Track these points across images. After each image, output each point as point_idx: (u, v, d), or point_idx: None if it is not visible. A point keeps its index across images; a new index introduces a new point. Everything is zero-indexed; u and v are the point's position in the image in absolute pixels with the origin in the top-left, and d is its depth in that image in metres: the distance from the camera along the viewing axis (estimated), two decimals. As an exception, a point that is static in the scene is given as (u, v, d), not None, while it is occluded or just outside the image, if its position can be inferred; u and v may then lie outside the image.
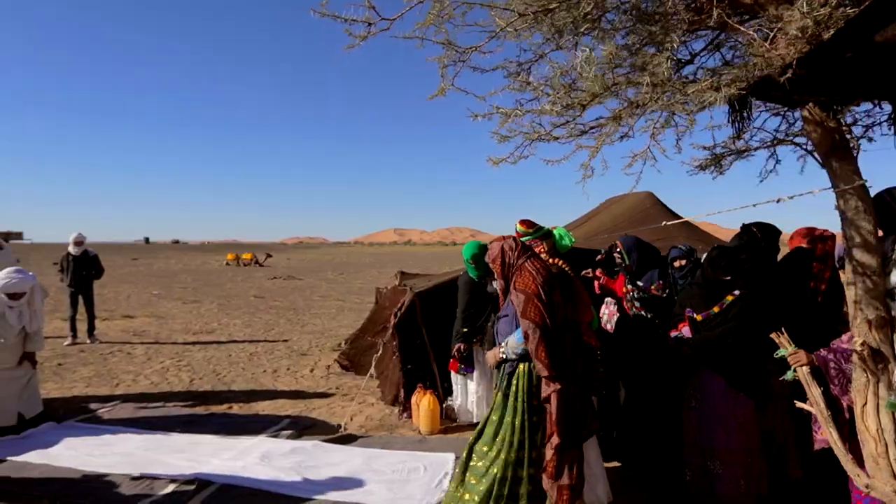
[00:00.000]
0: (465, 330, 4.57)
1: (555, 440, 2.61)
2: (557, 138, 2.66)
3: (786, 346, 3.11)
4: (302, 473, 3.73)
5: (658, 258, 4.19)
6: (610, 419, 3.96)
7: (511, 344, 2.80)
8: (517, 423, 2.75)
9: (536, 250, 3.39)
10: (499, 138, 2.70)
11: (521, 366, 2.80)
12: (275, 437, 4.47)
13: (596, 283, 4.30)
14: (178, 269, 29.90)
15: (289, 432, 4.57)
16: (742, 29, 2.40)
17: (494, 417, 2.85)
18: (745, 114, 2.68)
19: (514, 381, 2.81)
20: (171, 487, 3.52)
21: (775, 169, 3.64)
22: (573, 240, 3.56)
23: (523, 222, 3.50)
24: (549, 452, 2.63)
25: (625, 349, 4.01)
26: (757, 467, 3.06)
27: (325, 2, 2.60)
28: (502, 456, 2.73)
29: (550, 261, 3.31)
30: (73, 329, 8.20)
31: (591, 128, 2.66)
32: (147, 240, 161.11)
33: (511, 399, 2.80)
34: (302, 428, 4.70)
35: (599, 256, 4.54)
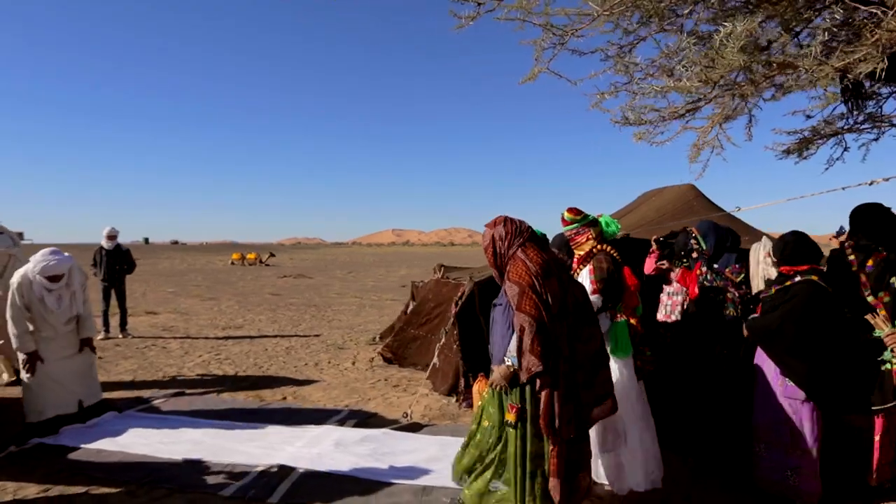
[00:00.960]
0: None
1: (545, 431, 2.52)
2: (683, 115, 2.67)
3: (882, 328, 3.12)
4: (380, 460, 3.72)
5: (735, 242, 4.14)
6: (672, 405, 3.94)
7: (513, 349, 2.57)
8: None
9: (584, 237, 3.41)
10: (628, 120, 2.70)
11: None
12: (339, 426, 4.46)
13: (671, 274, 4.28)
14: (184, 269, 29.81)
15: (353, 421, 4.56)
16: (862, 7, 2.41)
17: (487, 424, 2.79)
18: (861, 93, 2.70)
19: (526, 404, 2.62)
20: (254, 473, 3.50)
21: (842, 157, 3.66)
22: (619, 227, 3.55)
23: (571, 210, 3.50)
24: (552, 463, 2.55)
25: (694, 335, 4.01)
26: (809, 463, 2.96)
27: None
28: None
29: (599, 247, 3.33)
30: (107, 324, 8.16)
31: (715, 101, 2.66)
32: (146, 240, 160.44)
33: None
34: (365, 417, 4.69)
35: (653, 249, 4.52)
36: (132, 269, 8.48)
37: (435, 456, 3.80)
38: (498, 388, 2.66)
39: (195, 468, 3.60)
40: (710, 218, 5.17)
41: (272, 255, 37.07)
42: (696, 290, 4.05)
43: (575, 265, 3.42)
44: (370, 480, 3.42)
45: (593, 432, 2.93)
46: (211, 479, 3.44)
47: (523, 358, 2.48)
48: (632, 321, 3.31)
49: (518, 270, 2.59)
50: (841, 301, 3.03)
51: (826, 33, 2.11)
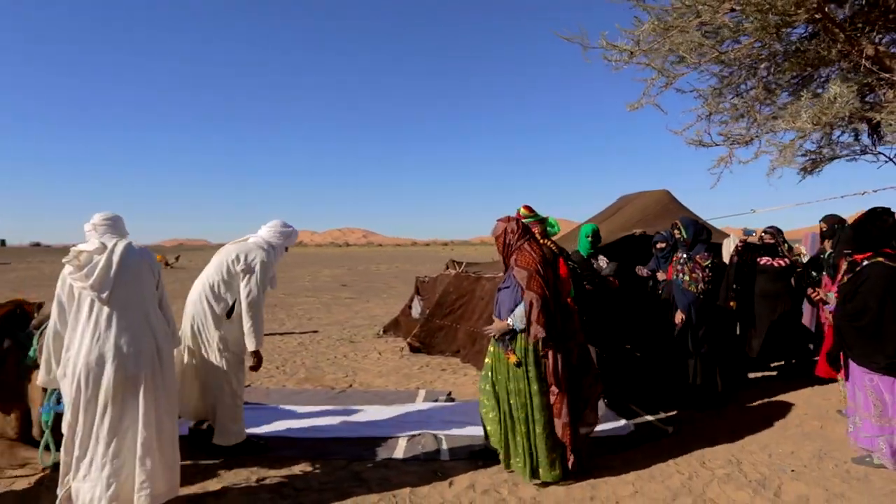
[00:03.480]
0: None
1: (555, 388, 3.26)
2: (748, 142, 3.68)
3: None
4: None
5: (709, 237, 5.31)
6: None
7: (518, 315, 3.27)
8: (525, 377, 3.29)
9: (534, 230, 4.09)
10: (702, 143, 3.66)
11: (520, 336, 3.29)
12: (432, 402, 5.01)
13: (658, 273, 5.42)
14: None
15: (442, 397, 5.12)
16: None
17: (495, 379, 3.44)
18: (880, 131, 3.88)
19: (519, 341, 3.31)
20: (403, 443, 3.98)
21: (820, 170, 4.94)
22: (559, 228, 4.47)
23: (526, 207, 4.37)
24: (552, 398, 3.27)
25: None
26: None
27: (603, 36, 3.42)
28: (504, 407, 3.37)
29: (542, 241, 4.03)
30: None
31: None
32: (3, 242, 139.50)
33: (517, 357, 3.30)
34: (445, 394, 5.25)
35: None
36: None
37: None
38: (494, 335, 3.41)
39: (348, 443, 4.00)
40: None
41: (177, 257, 34.81)
42: (671, 273, 5.16)
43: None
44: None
45: None
46: (366, 451, 3.86)
47: (532, 326, 3.22)
48: (567, 300, 3.90)
49: (526, 259, 3.37)
50: None
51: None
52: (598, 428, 4.18)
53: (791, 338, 5.65)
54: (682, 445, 3.90)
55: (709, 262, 4.94)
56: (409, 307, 8.60)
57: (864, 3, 3.56)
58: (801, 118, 3.17)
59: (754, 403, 4.86)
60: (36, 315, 3.49)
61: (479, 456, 3.66)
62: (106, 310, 2.81)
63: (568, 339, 3.45)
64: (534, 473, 3.30)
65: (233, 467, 3.51)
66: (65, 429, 2.83)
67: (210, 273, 3.77)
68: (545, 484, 3.28)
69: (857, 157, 4.35)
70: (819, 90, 3.56)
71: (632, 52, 3.52)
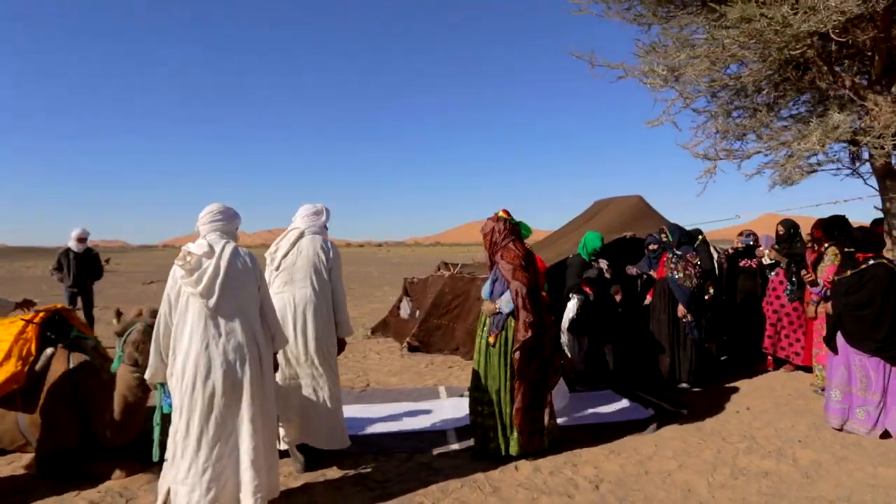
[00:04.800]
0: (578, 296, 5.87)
1: (517, 374, 3.66)
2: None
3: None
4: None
5: (693, 238, 5.96)
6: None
7: (504, 300, 3.73)
8: (504, 359, 3.73)
9: None
10: (707, 156, 4.20)
11: (509, 323, 3.73)
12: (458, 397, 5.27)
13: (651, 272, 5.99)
14: (10, 277, 24.89)
15: (462, 392, 5.39)
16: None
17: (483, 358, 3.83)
18: (858, 154, 4.56)
19: (504, 331, 3.74)
20: (453, 435, 4.23)
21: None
22: (531, 231, 4.97)
23: (504, 210, 4.89)
24: (515, 384, 3.68)
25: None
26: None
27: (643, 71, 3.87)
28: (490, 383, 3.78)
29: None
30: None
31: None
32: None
33: (500, 344, 3.74)
34: (466, 390, 5.52)
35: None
36: (100, 274, 7.79)
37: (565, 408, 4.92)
38: (486, 315, 3.85)
39: (402, 437, 4.20)
40: (657, 225, 7.20)
41: (107, 260, 32.67)
42: (663, 271, 5.75)
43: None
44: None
45: None
46: (424, 443, 4.07)
47: (520, 312, 3.63)
48: (542, 293, 4.33)
49: (511, 255, 3.84)
50: None
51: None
52: (623, 416, 4.65)
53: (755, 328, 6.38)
54: (698, 426, 4.41)
55: (697, 260, 5.54)
56: (398, 308, 8.79)
57: (839, 43, 4.15)
58: (811, 139, 3.75)
59: (742, 389, 5.48)
60: (116, 322, 3.44)
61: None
62: (213, 316, 2.85)
63: (543, 333, 3.81)
64: (499, 449, 3.72)
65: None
66: (171, 430, 2.88)
67: (307, 276, 3.59)
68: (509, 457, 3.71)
69: (839, 172, 5.00)
70: (810, 112, 4.20)
71: (665, 79, 3.98)
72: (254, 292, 3.00)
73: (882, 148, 3.72)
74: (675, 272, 5.48)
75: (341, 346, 3.74)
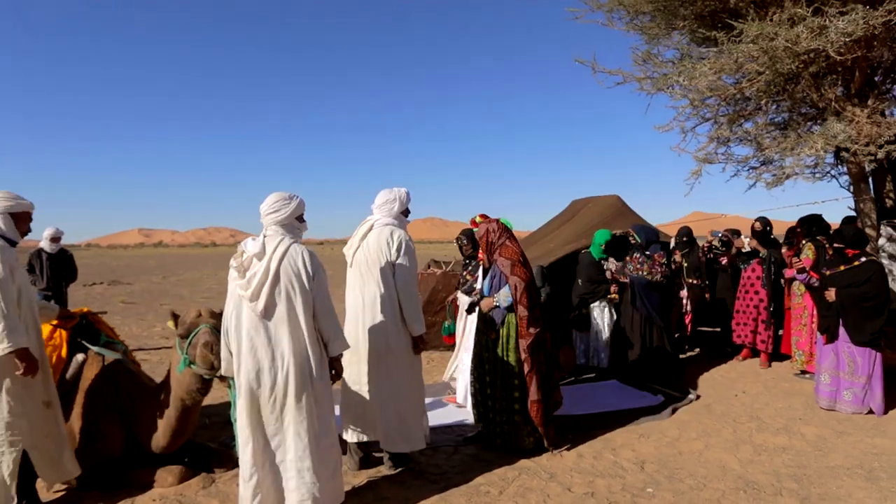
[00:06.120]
0: (587, 294, 6.18)
1: (526, 367, 3.77)
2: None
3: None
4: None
5: (658, 237, 6.37)
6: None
7: (503, 294, 3.83)
8: (507, 355, 3.86)
9: None
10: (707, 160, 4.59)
11: (510, 315, 3.85)
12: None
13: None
14: None
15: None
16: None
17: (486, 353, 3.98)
18: (840, 158, 5.06)
19: (505, 326, 3.86)
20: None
21: (755, 185, 6.21)
22: (512, 225, 4.99)
23: (482, 215, 5.09)
24: (526, 366, 3.76)
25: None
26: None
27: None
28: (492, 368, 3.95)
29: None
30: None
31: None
32: None
33: (502, 339, 3.87)
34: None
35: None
36: (75, 276, 7.36)
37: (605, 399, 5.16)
38: (486, 311, 3.96)
39: (440, 430, 4.29)
40: (636, 223, 7.68)
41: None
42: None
43: (481, 255, 4.39)
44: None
45: None
46: (462, 436, 4.19)
47: (518, 306, 3.77)
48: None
49: (509, 251, 4.05)
50: None
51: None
52: (639, 403, 4.95)
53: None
54: (707, 409, 4.78)
55: (664, 259, 5.92)
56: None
57: (829, 60, 4.60)
58: (816, 146, 4.17)
59: (731, 375, 5.93)
60: (173, 325, 3.34)
61: (472, 441, 4.04)
62: (261, 319, 2.80)
63: (543, 326, 3.98)
64: (509, 443, 3.84)
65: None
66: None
67: (373, 272, 3.50)
68: (520, 452, 3.81)
69: (821, 175, 5.50)
70: (798, 122, 4.68)
71: (693, 98, 4.30)
72: (307, 295, 2.85)
73: (873, 155, 4.18)
74: (641, 272, 5.79)
75: (416, 344, 3.66)
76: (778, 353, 6.20)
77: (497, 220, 4.13)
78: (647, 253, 5.78)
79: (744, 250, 6.78)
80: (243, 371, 2.82)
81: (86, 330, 3.80)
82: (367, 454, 3.64)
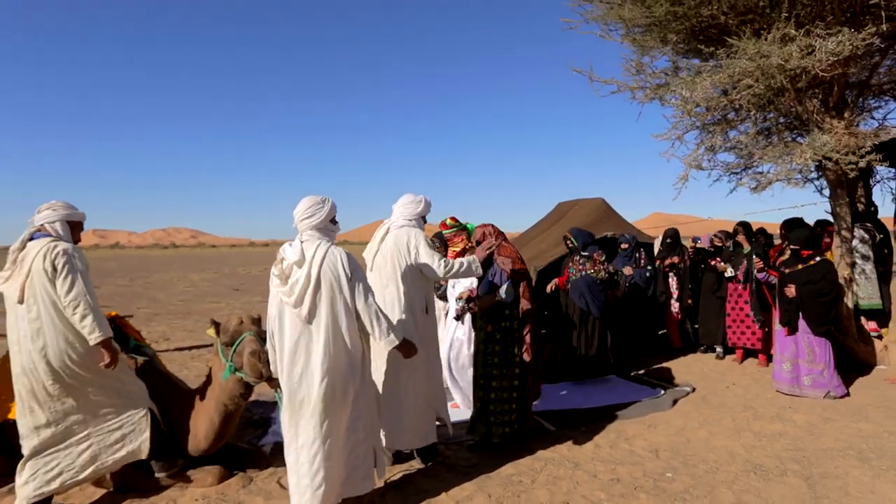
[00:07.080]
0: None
1: (526, 358, 4.03)
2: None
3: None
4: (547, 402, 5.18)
5: (595, 239, 6.51)
6: None
7: (506, 289, 3.98)
8: (508, 346, 4.04)
9: (459, 238, 5.09)
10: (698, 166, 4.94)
11: (511, 310, 4.04)
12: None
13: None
14: None
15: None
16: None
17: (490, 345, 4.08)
18: (821, 167, 5.46)
19: (507, 318, 4.03)
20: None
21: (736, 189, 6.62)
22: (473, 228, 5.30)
23: (452, 218, 5.36)
24: (526, 356, 4.05)
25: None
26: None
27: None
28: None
29: (470, 244, 4.91)
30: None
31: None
32: None
33: (505, 331, 4.04)
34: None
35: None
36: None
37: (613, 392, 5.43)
38: (486, 306, 4.07)
39: (459, 426, 4.44)
40: (619, 225, 8.08)
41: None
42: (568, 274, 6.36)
43: (451, 257, 4.69)
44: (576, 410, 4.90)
45: None
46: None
47: (520, 300, 4.02)
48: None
49: (508, 250, 4.31)
50: None
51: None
52: (639, 396, 5.23)
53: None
54: (704, 399, 5.10)
55: (603, 257, 6.10)
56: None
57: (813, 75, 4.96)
58: (805, 155, 4.53)
59: (719, 368, 6.30)
60: (214, 332, 3.40)
61: (477, 447, 4.02)
62: (304, 324, 2.89)
63: (538, 323, 4.28)
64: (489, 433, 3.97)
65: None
66: None
67: (390, 275, 3.59)
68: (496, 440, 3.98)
69: (803, 181, 5.88)
70: (795, 132, 5.06)
71: (690, 108, 4.61)
72: (347, 296, 2.94)
73: (854, 164, 4.57)
74: (585, 270, 5.99)
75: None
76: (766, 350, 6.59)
77: (491, 224, 4.33)
78: (585, 254, 6.01)
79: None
80: (286, 373, 2.93)
81: (115, 333, 3.81)
82: (398, 450, 3.77)
